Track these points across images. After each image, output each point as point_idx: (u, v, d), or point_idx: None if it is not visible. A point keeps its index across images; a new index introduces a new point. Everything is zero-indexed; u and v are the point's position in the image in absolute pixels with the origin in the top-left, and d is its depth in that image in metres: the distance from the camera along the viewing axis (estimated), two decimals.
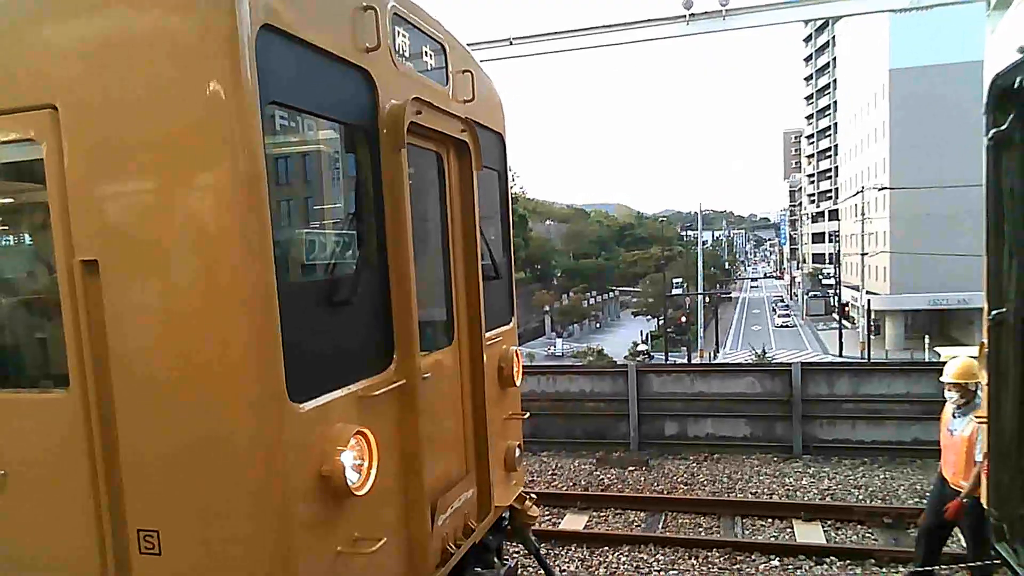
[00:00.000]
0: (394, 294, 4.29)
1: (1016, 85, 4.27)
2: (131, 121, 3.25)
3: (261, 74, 3.20)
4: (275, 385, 3.24)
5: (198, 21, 3.16)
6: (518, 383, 6.44)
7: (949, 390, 6.82)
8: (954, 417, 6.86)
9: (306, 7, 3.67)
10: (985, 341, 4.89)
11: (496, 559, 6.04)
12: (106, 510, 3.46)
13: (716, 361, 54.56)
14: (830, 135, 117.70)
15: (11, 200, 4.27)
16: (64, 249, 3.36)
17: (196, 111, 3.17)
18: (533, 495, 6.66)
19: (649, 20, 14.30)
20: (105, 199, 3.33)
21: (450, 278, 5.40)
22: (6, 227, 4.29)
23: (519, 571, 8.58)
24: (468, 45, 6.09)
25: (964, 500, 6.51)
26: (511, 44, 13.19)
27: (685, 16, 14.17)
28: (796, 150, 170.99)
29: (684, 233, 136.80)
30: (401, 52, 4.57)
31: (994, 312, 4.67)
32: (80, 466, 3.47)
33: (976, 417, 5.57)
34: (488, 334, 5.70)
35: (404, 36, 4.64)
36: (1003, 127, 4.52)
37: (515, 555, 8.98)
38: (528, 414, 6.67)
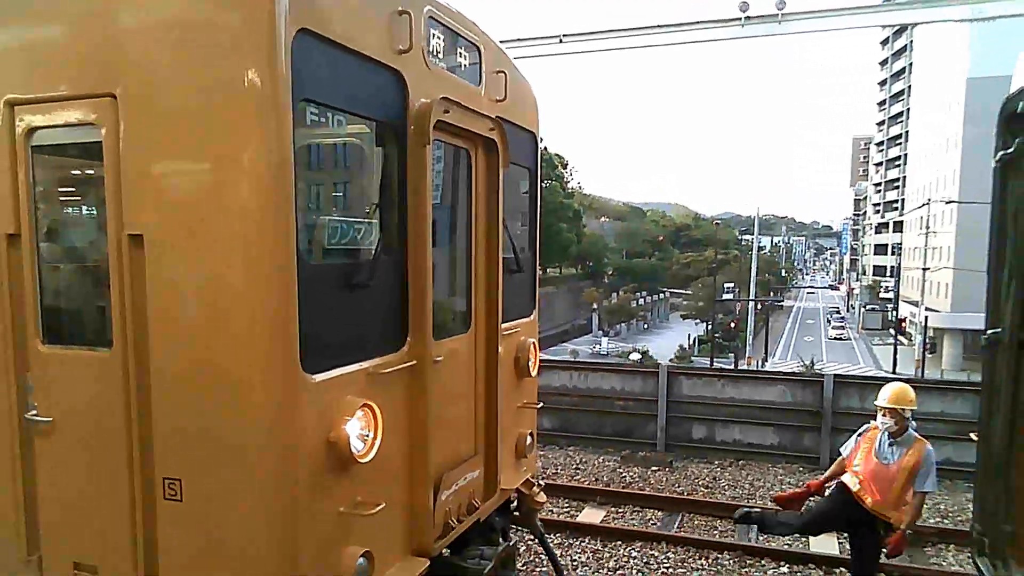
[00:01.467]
0: (411, 281, 4.62)
1: (1018, 110, 4.37)
2: (178, 109, 3.65)
3: (295, 73, 3.56)
4: (290, 356, 3.61)
5: (242, 22, 3.54)
6: (534, 373, 6.74)
7: (884, 416, 6.53)
8: (888, 445, 6.58)
9: (343, 12, 4.01)
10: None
11: (502, 539, 6.35)
12: (137, 459, 3.88)
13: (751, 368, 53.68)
14: (901, 143, 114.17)
15: (70, 177, 4.74)
16: (115, 224, 3.78)
17: (235, 103, 3.54)
18: (541, 482, 6.95)
19: (703, 22, 14.32)
20: (152, 179, 3.74)
21: (471, 269, 5.71)
22: (65, 201, 4.76)
23: (519, 550, 8.83)
24: (517, 40, 6.38)
25: (906, 531, 6.36)
26: (561, 42, 13.38)
27: (740, 19, 14.16)
28: (865, 157, 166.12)
29: (742, 237, 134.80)
30: (435, 53, 4.89)
31: (990, 332, 4.77)
32: (117, 418, 3.91)
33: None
34: (506, 325, 5.99)
35: (439, 38, 4.96)
36: (1010, 150, 4.61)
37: (529, 543, 9.29)
38: (542, 404, 6.96)
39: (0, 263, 4.12)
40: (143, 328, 3.80)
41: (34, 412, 4.12)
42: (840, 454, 7.13)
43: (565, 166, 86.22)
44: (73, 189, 4.75)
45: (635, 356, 58.57)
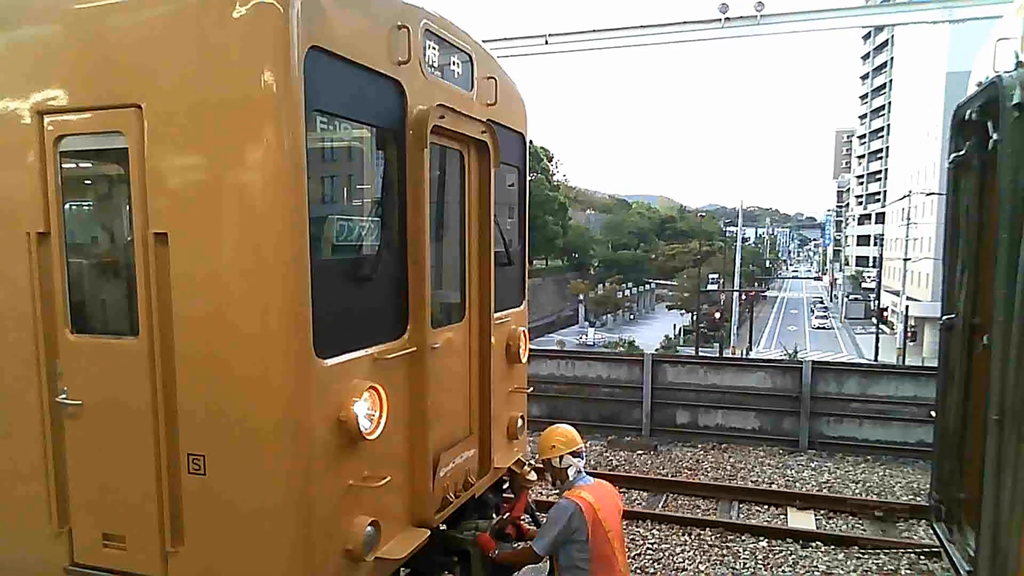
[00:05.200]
0: (410, 274, 4.98)
1: (966, 117, 4.78)
2: (199, 120, 3.99)
3: (307, 85, 3.91)
4: (304, 342, 3.96)
5: (258, 43, 3.86)
6: (524, 360, 7.12)
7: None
8: None
9: (349, 28, 4.35)
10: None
11: (494, 514, 6.74)
12: (164, 437, 4.23)
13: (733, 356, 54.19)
14: (883, 136, 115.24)
15: (96, 179, 5.07)
16: (141, 223, 4.12)
17: (252, 116, 3.89)
18: (531, 462, 7.33)
19: (685, 23, 14.73)
20: (175, 182, 4.08)
21: (465, 263, 6.06)
22: (91, 201, 5.08)
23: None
24: (504, 40, 6.71)
25: (493, 551, 5.42)
26: (546, 42, 13.72)
27: (720, 20, 14.57)
28: (847, 150, 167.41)
29: (726, 229, 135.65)
30: (430, 63, 5.24)
31: (945, 318, 5.20)
32: (144, 400, 4.24)
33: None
34: (498, 314, 6.36)
35: (434, 48, 5.30)
36: (962, 152, 5.02)
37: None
38: (531, 389, 7.34)
39: (31, 259, 4.44)
40: (168, 318, 4.14)
41: (64, 396, 4.45)
42: None
43: (551, 159, 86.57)
44: (99, 190, 5.07)
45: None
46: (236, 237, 4.01)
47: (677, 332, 72.81)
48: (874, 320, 71.86)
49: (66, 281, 4.47)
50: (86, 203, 5.01)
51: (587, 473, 5.47)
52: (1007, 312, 3.98)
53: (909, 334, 62.18)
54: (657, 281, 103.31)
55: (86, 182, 5.05)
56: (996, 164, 4.34)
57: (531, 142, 7.23)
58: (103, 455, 4.46)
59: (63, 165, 4.43)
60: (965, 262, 5.04)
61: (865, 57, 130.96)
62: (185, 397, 4.16)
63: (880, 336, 62.51)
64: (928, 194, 63.86)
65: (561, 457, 5.33)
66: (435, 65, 5.31)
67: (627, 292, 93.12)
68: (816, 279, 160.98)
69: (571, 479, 5.30)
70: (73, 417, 4.48)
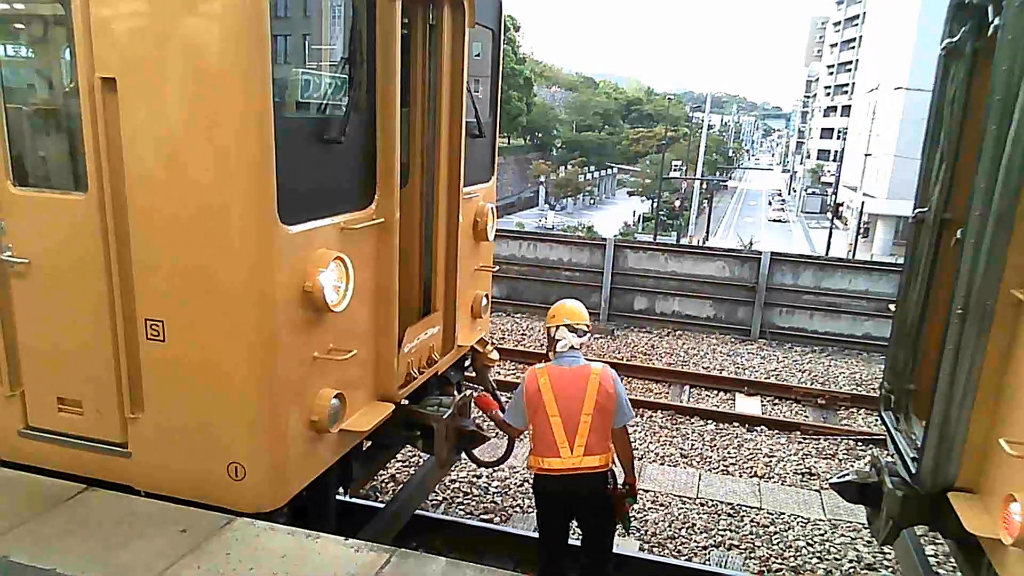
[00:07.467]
0: (379, 139, 4.70)
1: (966, 1, 4.57)
2: None
3: None
4: (268, 206, 3.75)
5: None
6: (491, 238, 6.97)
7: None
8: None
9: None
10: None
11: (456, 392, 6.79)
12: (118, 300, 4.04)
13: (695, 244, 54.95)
14: (858, 24, 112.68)
15: (35, 16, 4.57)
16: (86, 66, 3.74)
17: None
18: (494, 341, 7.35)
19: None
20: (124, 21, 3.68)
21: (436, 132, 5.76)
22: (31, 41, 4.61)
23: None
24: None
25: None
26: None
27: None
28: (821, 37, 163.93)
29: (693, 115, 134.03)
30: None
31: (917, 211, 5.18)
32: (95, 261, 4.02)
33: None
34: (466, 189, 6.15)
35: None
36: (955, 39, 4.83)
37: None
38: (497, 268, 7.24)
39: None
40: (119, 173, 3.85)
41: (9, 253, 4.20)
42: None
43: (517, 29, 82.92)
44: (39, 28, 4.59)
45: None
46: (191, 86, 3.68)
47: (636, 219, 73.09)
48: (829, 215, 72.94)
49: (5, 128, 4.11)
50: (24, 44, 4.55)
51: (586, 359, 5.30)
52: (985, 206, 3.94)
53: (862, 230, 63.52)
54: (619, 166, 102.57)
55: (24, 19, 4.55)
56: (991, 52, 4.17)
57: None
58: (54, 318, 4.27)
59: None
60: (944, 155, 4.96)
61: None
62: (140, 259, 3.94)
63: (833, 231, 63.65)
64: (896, 88, 63.40)
65: (557, 328, 5.31)
66: None
67: (589, 176, 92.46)
68: (783, 171, 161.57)
69: (559, 352, 5.27)
70: (19, 276, 4.24)
